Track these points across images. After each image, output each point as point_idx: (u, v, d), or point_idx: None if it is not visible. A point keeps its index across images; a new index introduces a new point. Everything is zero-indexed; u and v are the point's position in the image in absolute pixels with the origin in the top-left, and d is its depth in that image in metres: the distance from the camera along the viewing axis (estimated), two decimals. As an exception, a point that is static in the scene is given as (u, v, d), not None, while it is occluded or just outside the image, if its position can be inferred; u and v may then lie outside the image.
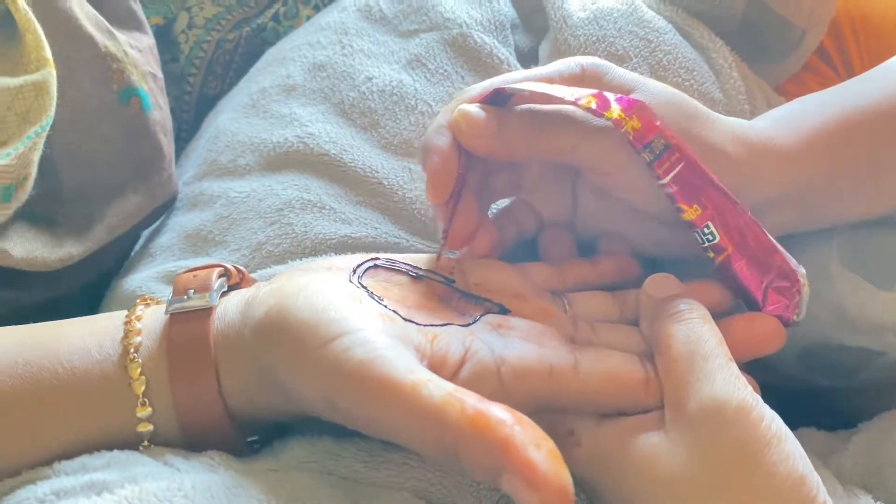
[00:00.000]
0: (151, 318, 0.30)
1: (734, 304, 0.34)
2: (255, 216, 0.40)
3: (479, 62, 0.45)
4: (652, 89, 0.34)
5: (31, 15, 0.36)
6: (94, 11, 0.42)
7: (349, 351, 0.25)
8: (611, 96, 0.32)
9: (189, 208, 0.44)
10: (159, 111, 0.45)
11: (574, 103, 0.31)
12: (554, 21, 0.48)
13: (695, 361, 0.29)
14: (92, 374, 0.28)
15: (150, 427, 0.28)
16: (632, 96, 0.34)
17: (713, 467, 0.27)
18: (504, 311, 0.31)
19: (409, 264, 0.33)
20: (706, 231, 0.32)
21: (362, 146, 0.42)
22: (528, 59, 0.50)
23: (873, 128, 0.36)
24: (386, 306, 0.29)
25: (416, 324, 0.29)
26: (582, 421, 0.29)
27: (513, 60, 0.46)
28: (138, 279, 0.41)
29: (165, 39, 0.56)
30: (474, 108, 0.33)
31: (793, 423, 0.32)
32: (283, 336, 0.27)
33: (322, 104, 0.45)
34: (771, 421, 0.28)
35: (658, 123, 0.32)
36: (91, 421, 0.28)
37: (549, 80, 0.34)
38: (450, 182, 0.32)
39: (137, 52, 0.45)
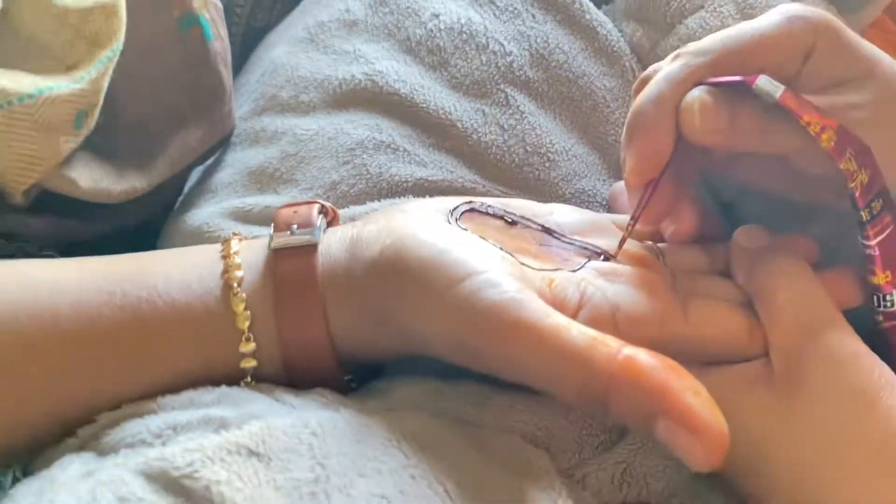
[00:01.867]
0: (250, 253, 0.29)
1: (820, 258, 0.34)
2: (327, 155, 0.39)
3: (549, 1, 0.44)
4: (883, 66, 0.31)
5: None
6: None
7: (480, 292, 0.25)
8: (845, 135, 0.29)
9: (249, 144, 0.43)
10: (220, 42, 0.43)
11: (817, 137, 0.28)
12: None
13: (803, 311, 0.29)
14: (193, 308, 0.28)
15: (254, 363, 0.28)
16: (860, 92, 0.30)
17: (830, 414, 0.27)
18: (606, 258, 0.31)
19: (503, 209, 0.32)
20: (888, 298, 0.31)
21: (432, 86, 0.41)
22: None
23: None
24: (501, 248, 0.28)
25: (531, 268, 0.28)
26: (687, 368, 0.29)
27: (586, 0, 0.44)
28: (203, 214, 0.40)
29: (210, -32, 0.54)
30: (709, 99, 0.29)
31: None
32: (404, 276, 0.27)
33: (386, 41, 0.44)
34: (882, 368, 0.28)
35: (880, 179, 0.30)
36: (192, 354, 0.28)
37: (774, 40, 0.30)
38: (658, 168, 0.30)
39: None
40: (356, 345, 0.29)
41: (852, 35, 0.31)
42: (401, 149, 0.39)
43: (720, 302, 0.30)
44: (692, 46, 0.31)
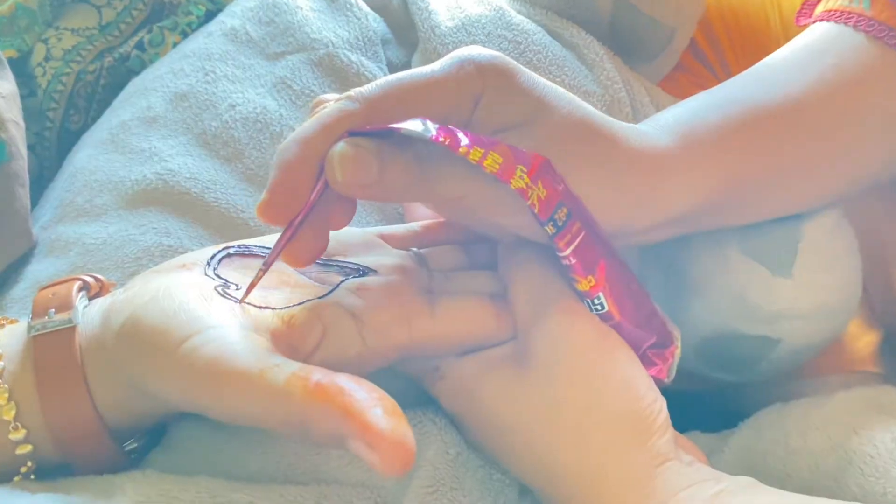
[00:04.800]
0: (11, 340, 0.30)
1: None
2: (113, 266, 0.38)
3: (346, 81, 0.44)
4: (557, 107, 0.31)
5: None
6: None
7: (200, 349, 0.26)
8: (516, 153, 0.28)
9: (44, 255, 0.41)
10: (18, 161, 0.42)
11: (479, 164, 0.28)
12: (422, 32, 0.47)
13: (533, 295, 0.32)
14: None
15: (29, 447, 0.28)
16: (535, 133, 0.30)
17: (553, 381, 0.30)
18: (364, 272, 0.32)
19: (262, 246, 0.33)
20: (596, 302, 0.31)
21: (227, 180, 0.40)
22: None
23: (770, 130, 0.35)
24: (235, 299, 0.29)
25: (272, 308, 0.29)
26: (445, 357, 0.32)
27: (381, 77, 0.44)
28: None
29: (21, 73, 0.52)
30: (351, 151, 0.28)
31: (680, 426, 0.33)
32: (140, 344, 0.28)
33: (184, 136, 0.43)
34: (605, 340, 0.31)
35: (561, 188, 0.30)
36: None
37: (440, 84, 0.29)
38: (291, 208, 0.28)
39: (1, 98, 0.42)
40: (124, 414, 0.29)
41: (525, 77, 0.31)
42: (188, 251, 0.38)
43: (468, 296, 0.32)
44: (354, 91, 0.29)
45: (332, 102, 0.30)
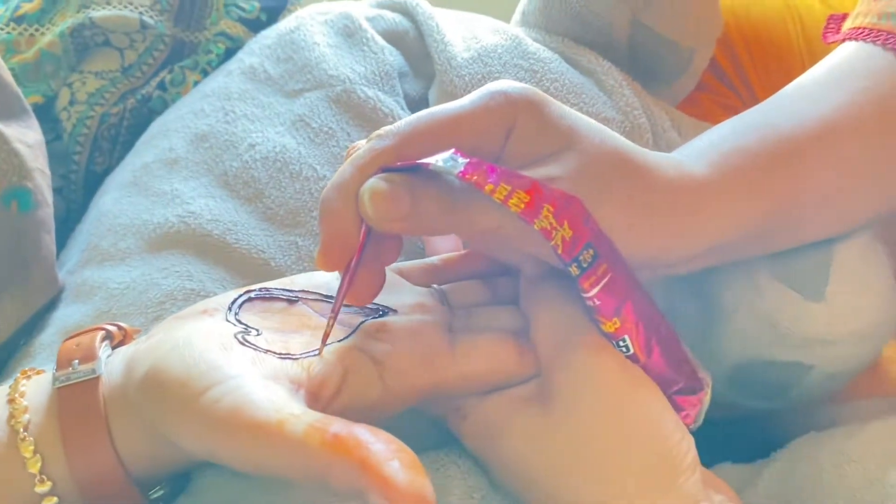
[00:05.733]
0: (36, 392, 0.30)
1: None
2: (137, 312, 0.38)
3: (364, 117, 0.44)
4: (588, 137, 0.31)
5: None
6: None
7: (220, 401, 0.26)
8: (544, 191, 0.28)
9: (71, 300, 0.42)
10: (44, 209, 0.42)
11: (504, 203, 0.28)
12: (439, 64, 0.46)
13: (558, 331, 0.31)
14: None
15: (55, 499, 0.28)
16: (565, 166, 0.30)
17: (580, 421, 0.29)
18: (384, 312, 0.32)
19: (284, 289, 0.33)
20: (621, 344, 0.31)
21: (247, 221, 0.41)
22: (420, 105, 0.48)
23: (806, 154, 0.35)
24: (256, 347, 0.29)
25: (291, 357, 0.29)
26: (468, 396, 0.31)
27: (398, 111, 0.44)
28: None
29: (46, 118, 0.53)
30: (383, 186, 0.28)
31: (709, 456, 0.32)
32: (161, 395, 0.28)
33: (205, 177, 0.43)
34: (629, 369, 0.30)
35: (589, 228, 0.29)
36: None
37: (471, 117, 0.30)
38: (346, 254, 0.30)
39: (27, 146, 0.43)
40: (148, 463, 0.29)
41: (556, 108, 0.31)
42: (210, 295, 0.38)
43: (490, 334, 0.32)
44: (383, 129, 0.30)
45: (363, 143, 0.31)
